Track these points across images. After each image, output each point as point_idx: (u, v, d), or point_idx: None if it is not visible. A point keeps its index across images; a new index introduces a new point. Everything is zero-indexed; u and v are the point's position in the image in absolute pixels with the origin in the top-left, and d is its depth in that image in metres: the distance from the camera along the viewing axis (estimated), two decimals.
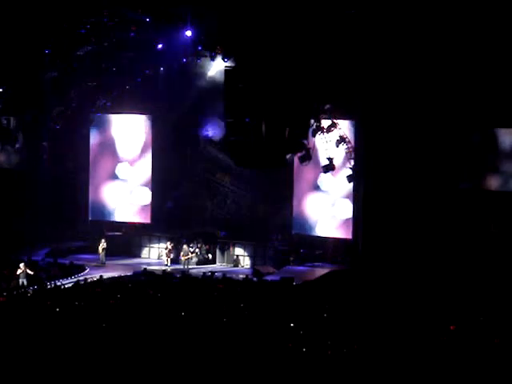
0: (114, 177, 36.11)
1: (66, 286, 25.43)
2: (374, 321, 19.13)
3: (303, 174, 32.18)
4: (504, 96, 28.10)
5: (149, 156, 35.73)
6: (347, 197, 31.52)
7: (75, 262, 31.75)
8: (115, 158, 36.06)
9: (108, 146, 36.07)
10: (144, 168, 35.84)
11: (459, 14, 27.51)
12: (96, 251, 33.84)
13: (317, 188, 32.19)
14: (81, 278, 27.68)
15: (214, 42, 28.63)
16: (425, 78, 28.93)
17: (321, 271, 30.47)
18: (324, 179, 31.81)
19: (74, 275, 29.36)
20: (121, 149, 36.00)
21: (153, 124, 35.66)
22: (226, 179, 35.19)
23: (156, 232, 35.45)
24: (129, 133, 35.86)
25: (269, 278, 29.45)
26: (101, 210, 36.26)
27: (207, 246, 34.04)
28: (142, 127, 35.73)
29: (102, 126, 36.00)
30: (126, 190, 36.12)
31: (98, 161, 36.26)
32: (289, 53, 28.45)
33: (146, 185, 35.95)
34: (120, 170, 36.05)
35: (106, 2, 29.56)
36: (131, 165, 35.95)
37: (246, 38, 27.61)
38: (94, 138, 36.12)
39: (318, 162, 31.10)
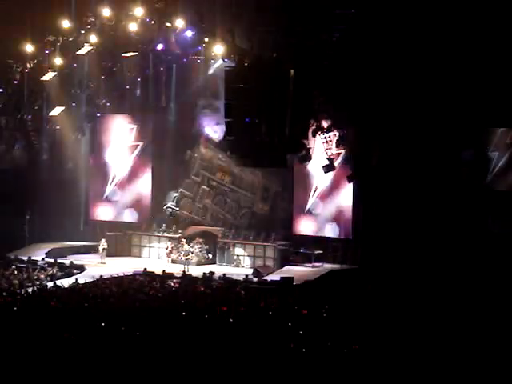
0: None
1: (66, 287, 25.45)
2: (374, 321, 19.13)
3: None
4: (503, 97, 28.19)
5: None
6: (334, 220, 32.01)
7: (75, 262, 31.75)
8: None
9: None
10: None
11: (459, 18, 27.57)
12: (96, 251, 33.87)
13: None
14: (79, 278, 27.74)
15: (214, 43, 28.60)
16: (425, 78, 28.94)
17: (321, 271, 30.47)
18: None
19: (73, 275, 29.37)
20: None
21: (153, 124, 35.68)
22: (226, 179, 35.17)
23: (156, 232, 35.46)
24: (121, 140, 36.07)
25: (269, 278, 29.45)
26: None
27: (207, 246, 34.03)
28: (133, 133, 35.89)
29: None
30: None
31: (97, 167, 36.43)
32: (289, 53, 28.47)
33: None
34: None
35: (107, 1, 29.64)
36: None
37: (247, 39, 27.64)
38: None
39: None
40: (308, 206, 32.50)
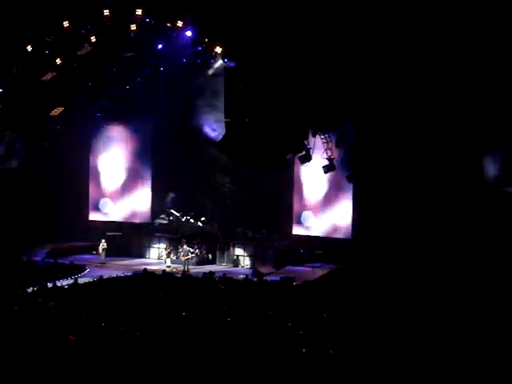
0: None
1: (66, 287, 25.43)
2: (374, 321, 19.14)
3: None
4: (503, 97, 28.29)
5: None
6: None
7: (75, 262, 31.76)
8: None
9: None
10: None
11: (460, 20, 27.63)
12: (96, 251, 33.87)
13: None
14: (79, 278, 27.73)
15: (215, 42, 28.59)
16: (424, 79, 28.99)
17: (321, 271, 30.49)
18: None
19: (73, 275, 29.36)
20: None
21: (153, 124, 35.69)
22: (226, 179, 35.17)
23: (156, 232, 35.47)
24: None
25: (269, 278, 29.46)
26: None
27: (207, 246, 34.02)
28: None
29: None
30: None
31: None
32: (289, 53, 28.49)
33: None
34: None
35: (106, 1, 29.66)
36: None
37: (247, 39, 27.66)
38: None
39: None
40: (307, 207, 32.51)
